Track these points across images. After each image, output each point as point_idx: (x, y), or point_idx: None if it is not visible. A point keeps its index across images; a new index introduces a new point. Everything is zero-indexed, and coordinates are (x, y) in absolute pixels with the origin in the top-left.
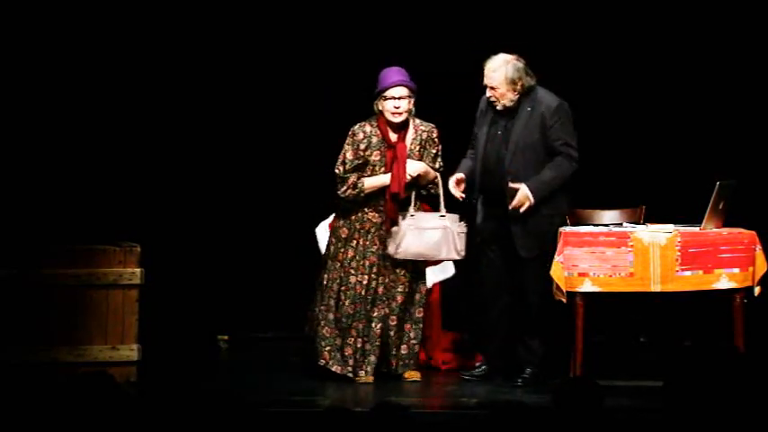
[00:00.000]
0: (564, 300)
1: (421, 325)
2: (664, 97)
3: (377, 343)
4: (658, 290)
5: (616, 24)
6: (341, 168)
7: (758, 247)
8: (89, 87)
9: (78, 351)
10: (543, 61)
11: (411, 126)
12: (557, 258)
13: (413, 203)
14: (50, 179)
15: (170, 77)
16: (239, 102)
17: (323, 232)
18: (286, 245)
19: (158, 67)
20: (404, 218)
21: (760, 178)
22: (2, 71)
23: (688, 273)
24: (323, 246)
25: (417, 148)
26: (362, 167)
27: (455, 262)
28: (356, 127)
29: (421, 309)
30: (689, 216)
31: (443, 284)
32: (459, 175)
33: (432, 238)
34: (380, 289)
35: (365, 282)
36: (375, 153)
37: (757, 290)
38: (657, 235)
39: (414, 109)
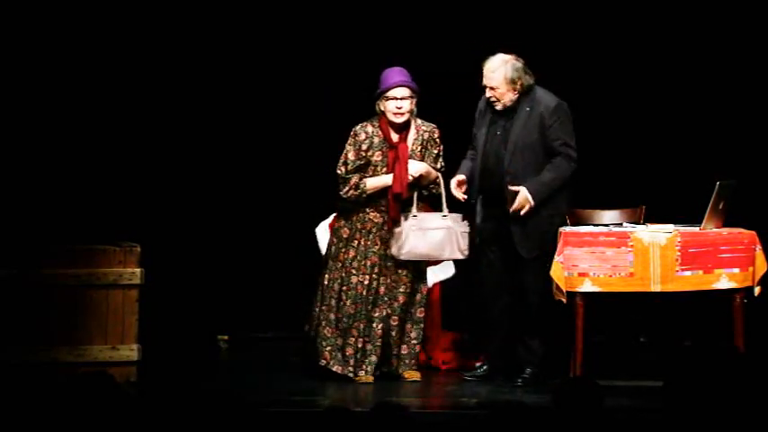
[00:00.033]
0: (564, 300)
1: (422, 325)
2: (664, 97)
3: (378, 343)
4: (658, 290)
5: (616, 24)
6: (343, 169)
7: (758, 247)
8: (89, 88)
9: (78, 351)
10: (543, 61)
11: (413, 126)
12: (557, 258)
13: (415, 204)
14: (50, 179)
15: (170, 78)
16: (239, 102)
17: (323, 232)
18: (286, 245)
19: (159, 68)
20: (406, 218)
21: (760, 178)
22: (2, 71)
23: (688, 273)
24: (323, 246)
25: (419, 148)
26: (364, 168)
27: (455, 262)
28: (358, 127)
29: (422, 309)
30: (689, 216)
31: (443, 284)
32: (461, 177)
33: (435, 238)
34: (382, 289)
35: (366, 282)
36: (377, 153)
37: (757, 290)
38: (657, 235)
39: (415, 109)
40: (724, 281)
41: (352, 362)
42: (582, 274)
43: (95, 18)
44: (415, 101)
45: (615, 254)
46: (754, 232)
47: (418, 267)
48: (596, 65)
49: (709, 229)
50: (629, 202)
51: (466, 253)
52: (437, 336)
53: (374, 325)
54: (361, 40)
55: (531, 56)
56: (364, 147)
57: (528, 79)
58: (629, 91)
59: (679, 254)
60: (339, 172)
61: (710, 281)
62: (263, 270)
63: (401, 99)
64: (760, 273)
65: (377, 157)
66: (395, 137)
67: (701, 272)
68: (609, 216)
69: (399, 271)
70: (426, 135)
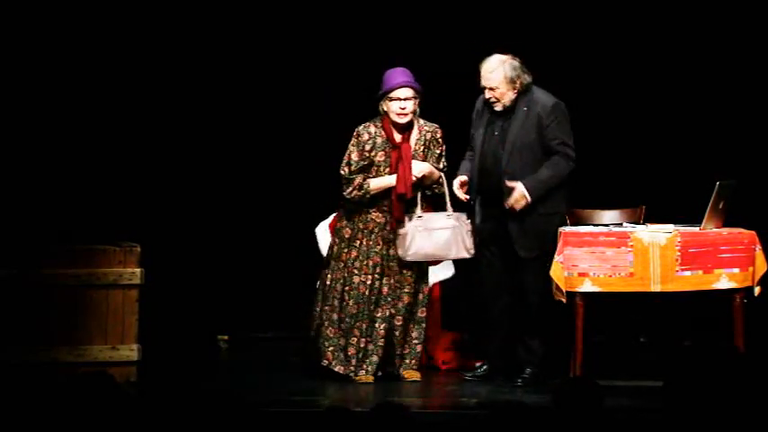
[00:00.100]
0: (564, 300)
1: (423, 325)
2: (663, 97)
3: (380, 343)
4: (658, 290)
5: (616, 24)
6: (346, 170)
7: (758, 247)
8: (89, 88)
9: (78, 351)
10: (544, 61)
11: (415, 126)
12: (556, 258)
13: (419, 204)
14: (50, 179)
15: (171, 78)
16: (239, 102)
17: (323, 232)
18: (286, 245)
19: (159, 68)
20: (410, 219)
21: (760, 178)
22: (2, 71)
23: (688, 273)
24: (322, 246)
25: (421, 148)
26: (368, 168)
27: (454, 262)
28: (361, 128)
29: (424, 309)
30: (689, 216)
31: (443, 284)
32: (463, 178)
33: (441, 237)
34: (385, 289)
35: (369, 282)
36: (380, 154)
37: (757, 290)
38: (657, 235)
39: (418, 109)
40: (724, 281)
41: (353, 362)
42: (582, 274)
43: (95, 18)
44: (418, 101)
45: (615, 254)
46: (754, 232)
47: (421, 267)
48: (596, 65)
49: (710, 229)
50: (629, 202)
51: (472, 252)
52: (437, 336)
53: (376, 325)
54: (362, 40)
55: (531, 56)
56: (367, 147)
57: (526, 78)
58: (628, 91)
59: (679, 254)
60: (342, 173)
61: (710, 281)
62: (263, 270)
63: (404, 99)
64: (760, 273)
65: (380, 157)
66: (398, 137)
67: (700, 272)
68: (609, 216)
69: (404, 271)
70: (429, 135)
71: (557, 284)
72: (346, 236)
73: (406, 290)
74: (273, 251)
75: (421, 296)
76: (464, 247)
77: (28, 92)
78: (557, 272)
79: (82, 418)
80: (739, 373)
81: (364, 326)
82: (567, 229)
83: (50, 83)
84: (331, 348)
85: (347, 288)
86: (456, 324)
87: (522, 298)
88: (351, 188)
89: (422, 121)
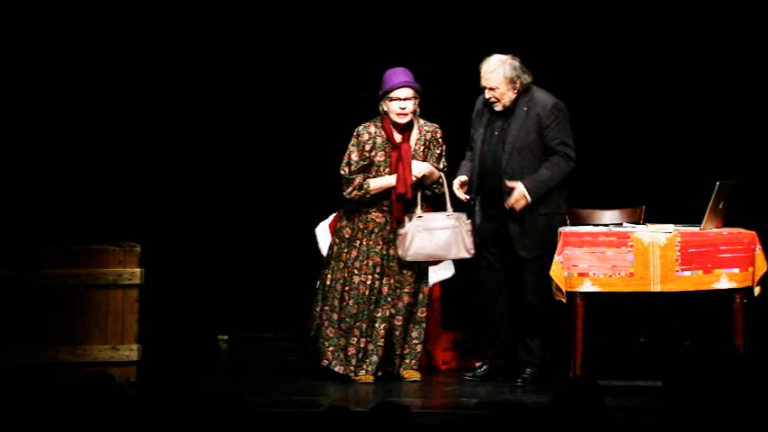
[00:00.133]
0: (564, 300)
1: (424, 325)
2: (664, 97)
3: (380, 343)
4: (658, 290)
5: (616, 24)
6: (346, 170)
7: (758, 248)
8: (89, 87)
9: (78, 351)
10: (544, 61)
11: (415, 126)
12: (556, 258)
13: (419, 204)
14: (50, 179)
15: (171, 78)
16: (239, 102)
17: (323, 232)
18: (286, 245)
19: (159, 68)
20: (410, 219)
21: (760, 178)
22: (2, 71)
23: (688, 273)
24: (322, 246)
25: (421, 148)
26: (368, 168)
27: (454, 262)
28: (360, 128)
29: (424, 309)
30: (689, 216)
31: (443, 284)
32: (463, 178)
33: (441, 237)
34: (385, 289)
35: (369, 282)
36: (380, 154)
37: (757, 290)
38: (657, 235)
39: (418, 109)
40: (724, 281)
41: (353, 361)
42: (582, 274)
43: (95, 18)
44: (417, 101)
45: (615, 254)
46: (754, 232)
47: (421, 267)
48: (596, 65)
49: (709, 229)
50: (629, 202)
51: (472, 252)
52: (437, 336)
53: (376, 325)
54: (362, 40)
55: (531, 56)
56: (367, 147)
57: (526, 78)
58: (629, 91)
59: (679, 254)
60: (343, 173)
61: (710, 281)
62: (263, 270)
63: (405, 99)
64: (760, 273)
65: (380, 157)
66: (398, 137)
67: (700, 272)
68: (609, 216)
69: (404, 271)
70: (429, 135)
71: (557, 284)
72: (346, 236)
73: (406, 290)
74: (273, 251)
75: (421, 296)
76: (464, 248)
77: (28, 92)
78: (557, 272)
79: (82, 418)
80: (739, 374)
81: (364, 326)
82: (567, 229)
83: (51, 83)
84: (331, 348)
85: (347, 288)
86: (456, 324)
87: (521, 298)
88: (351, 188)
89: (422, 121)
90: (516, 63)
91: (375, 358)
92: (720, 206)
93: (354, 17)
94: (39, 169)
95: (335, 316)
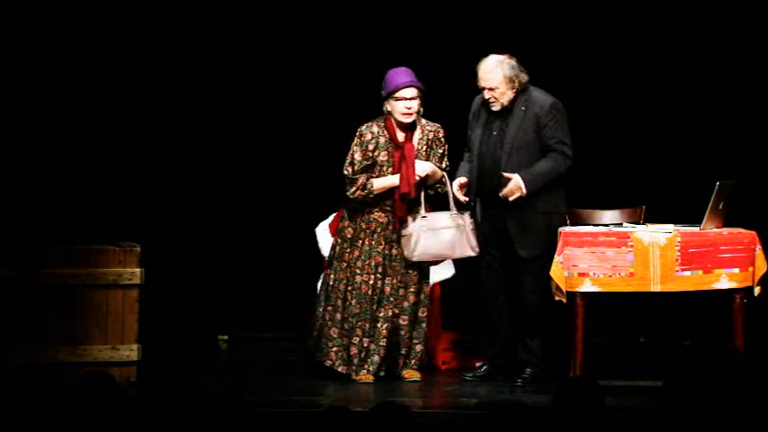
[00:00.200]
0: (564, 300)
1: (424, 325)
2: (664, 97)
3: (382, 343)
4: (658, 290)
5: (616, 24)
6: (349, 169)
7: (758, 248)
8: (89, 87)
9: (78, 351)
10: (544, 61)
11: (418, 126)
12: (556, 258)
13: (423, 204)
14: (50, 179)
15: (171, 78)
16: (239, 102)
17: (323, 232)
18: (286, 245)
19: (159, 68)
20: (414, 219)
21: (760, 178)
22: (2, 71)
23: (688, 273)
24: (322, 246)
25: (424, 147)
26: (370, 168)
27: (454, 262)
28: (363, 128)
29: (424, 309)
30: (689, 216)
31: (443, 284)
32: (463, 180)
33: (446, 237)
34: (387, 289)
35: (371, 282)
36: (382, 153)
37: (757, 290)
38: (657, 235)
39: (422, 109)
40: (724, 281)
41: (355, 361)
42: (582, 274)
43: (95, 18)
44: (421, 100)
45: (615, 254)
46: (754, 232)
47: (422, 267)
48: (596, 64)
49: (709, 229)
50: (629, 202)
51: (477, 250)
52: (437, 336)
53: (379, 325)
54: (362, 40)
55: (530, 56)
56: (370, 147)
57: (524, 77)
58: (628, 91)
59: (679, 254)
60: (346, 172)
61: (710, 281)
62: (263, 270)
63: (410, 99)
64: (760, 273)
65: (382, 157)
66: (401, 137)
67: (700, 272)
68: (609, 216)
69: (410, 271)
70: (431, 134)
71: (557, 284)
72: (349, 236)
73: (411, 289)
74: (273, 251)
75: (422, 296)
76: (469, 246)
77: (28, 92)
78: (557, 272)
79: (82, 418)
80: (739, 373)
81: (367, 325)
82: (567, 229)
83: (51, 83)
84: (334, 349)
85: (350, 288)
86: (456, 324)
87: (521, 298)
88: (354, 188)
89: (424, 121)
90: (514, 62)
91: (377, 358)
92: (720, 206)
93: (355, 17)
94: (39, 169)
95: (339, 316)
